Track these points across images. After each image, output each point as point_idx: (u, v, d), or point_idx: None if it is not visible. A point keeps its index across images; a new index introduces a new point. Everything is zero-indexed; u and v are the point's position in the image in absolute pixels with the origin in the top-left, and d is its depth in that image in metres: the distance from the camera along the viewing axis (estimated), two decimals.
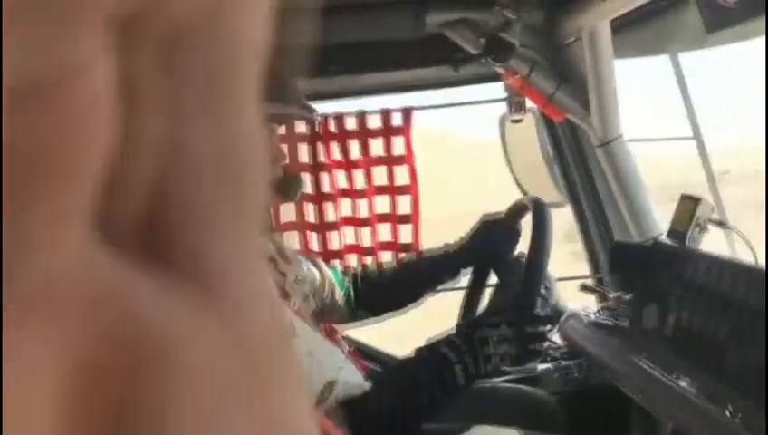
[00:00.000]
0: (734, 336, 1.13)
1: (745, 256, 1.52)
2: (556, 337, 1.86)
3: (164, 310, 0.12)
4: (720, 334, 1.16)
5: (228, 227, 0.13)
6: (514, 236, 1.89)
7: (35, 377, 0.11)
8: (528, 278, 1.59)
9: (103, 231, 0.12)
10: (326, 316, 1.73)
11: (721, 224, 1.48)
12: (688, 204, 1.45)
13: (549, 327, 1.67)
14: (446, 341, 1.51)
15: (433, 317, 2.03)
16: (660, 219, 1.96)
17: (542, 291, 1.61)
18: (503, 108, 2.25)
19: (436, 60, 2.05)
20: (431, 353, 1.48)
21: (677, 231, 1.44)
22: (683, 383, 1.24)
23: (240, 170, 0.13)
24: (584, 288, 1.93)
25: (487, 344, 1.48)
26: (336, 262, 2.11)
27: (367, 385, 1.40)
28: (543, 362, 2.10)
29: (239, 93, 0.13)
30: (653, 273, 1.36)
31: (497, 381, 2.01)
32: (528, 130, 2.22)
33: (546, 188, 2.18)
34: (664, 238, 1.51)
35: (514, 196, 1.95)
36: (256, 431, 0.13)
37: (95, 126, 0.11)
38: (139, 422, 0.11)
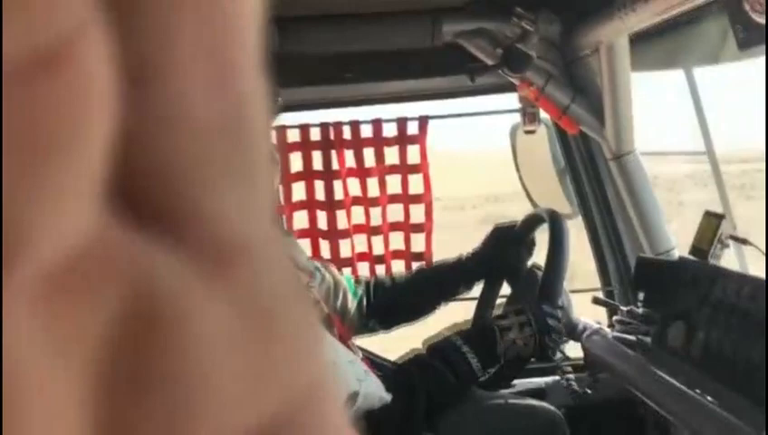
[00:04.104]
0: (763, 357, 1.13)
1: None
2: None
3: (176, 280, 0.12)
4: (750, 355, 1.16)
5: (236, 191, 0.13)
6: (528, 246, 1.88)
7: (61, 355, 0.11)
8: (549, 279, 1.61)
9: (115, 203, 0.12)
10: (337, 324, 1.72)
11: (743, 240, 1.48)
12: (712, 221, 1.46)
13: (564, 338, 1.68)
14: (461, 334, 1.53)
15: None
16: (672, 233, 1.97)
17: (560, 304, 1.62)
18: (512, 119, 2.26)
19: (452, 69, 2.05)
20: (448, 347, 1.50)
21: (701, 249, 1.44)
22: (709, 398, 1.24)
23: (245, 134, 0.13)
24: (596, 301, 1.92)
25: (509, 330, 1.51)
26: (347, 270, 2.10)
27: (387, 396, 1.39)
28: (552, 374, 2.10)
29: (239, 62, 0.13)
30: (680, 290, 1.35)
31: (506, 394, 2.00)
32: (540, 142, 2.22)
33: (557, 199, 2.18)
34: (688, 256, 1.50)
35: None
36: (261, 395, 0.13)
37: (96, 96, 0.11)
38: (153, 394, 0.11)
